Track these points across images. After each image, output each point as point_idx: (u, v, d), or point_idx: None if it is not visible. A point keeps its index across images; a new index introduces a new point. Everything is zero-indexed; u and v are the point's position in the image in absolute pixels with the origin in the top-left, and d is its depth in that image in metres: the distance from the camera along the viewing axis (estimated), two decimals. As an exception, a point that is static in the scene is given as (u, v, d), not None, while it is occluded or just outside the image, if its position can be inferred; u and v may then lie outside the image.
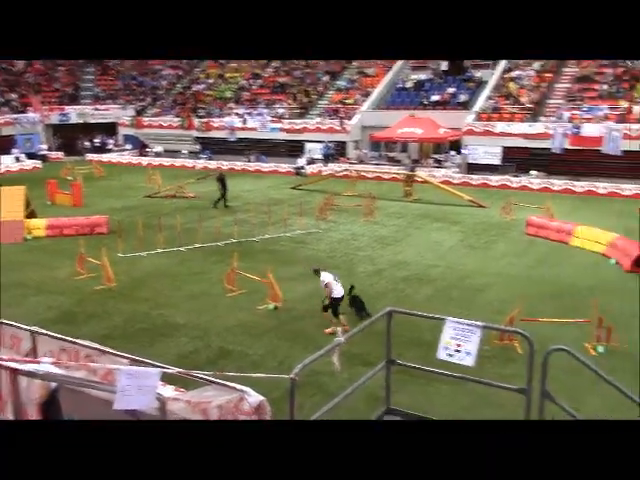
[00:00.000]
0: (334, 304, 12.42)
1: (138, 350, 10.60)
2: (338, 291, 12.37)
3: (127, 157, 43.58)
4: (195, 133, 43.04)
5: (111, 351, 6.89)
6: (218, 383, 5.12)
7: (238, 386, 5.01)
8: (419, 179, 28.97)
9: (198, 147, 42.70)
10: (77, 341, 6.99)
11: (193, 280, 16.04)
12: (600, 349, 11.28)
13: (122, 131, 47.29)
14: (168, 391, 5.95)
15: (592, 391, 9.52)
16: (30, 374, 4.78)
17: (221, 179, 26.13)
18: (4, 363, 4.81)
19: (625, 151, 29.03)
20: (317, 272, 12.85)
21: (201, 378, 5.20)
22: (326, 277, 12.60)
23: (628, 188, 27.80)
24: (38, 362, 4.92)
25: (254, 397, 4.89)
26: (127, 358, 6.32)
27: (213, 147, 42.50)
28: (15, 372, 4.77)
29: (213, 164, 39.24)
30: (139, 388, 4.41)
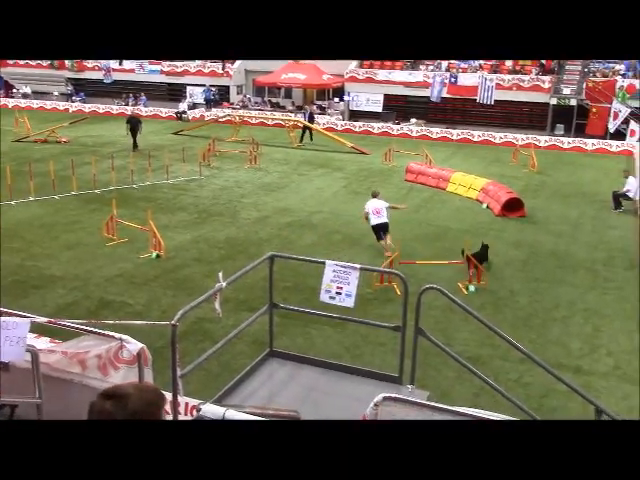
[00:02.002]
0: (374, 231, 13.81)
1: (10, 304, 10.08)
2: (372, 220, 13.71)
3: (-9, 98, 40.29)
4: (67, 74, 40.37)
5: (-22, 304, 6.51)
6: (96, 333, 4.99)
7: (116, 335, 4.90)
8: (301, 125, 28.99)
9: (70, 89, 40.16)
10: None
11: (70, 229, 15.32)
12: (471, 288, 12.01)
13: (-16, 70, 43.54)
14: (42, 343, 5.73)
15: (463, 327, 10.20)
16: None
17: (130, 121, 26.03)
18: None
19: (497, 101, 30.52)
20: (375, 195, 14.16)
21: (77, 328, 5.04)
22: (367, 206, 13.89)
23: (500, 136, 29.28)
24: None
25: (133, 344, 4.81)
26: (-3, 312, 6.01)
27: (87, 89, 40.15)
28: None
29: (88, 107, 37.18)
30: (6, 339, 4.21)
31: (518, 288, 12.31)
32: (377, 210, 13.70)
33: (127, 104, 37.53)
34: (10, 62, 41.87)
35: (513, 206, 17.16)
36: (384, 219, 13.71)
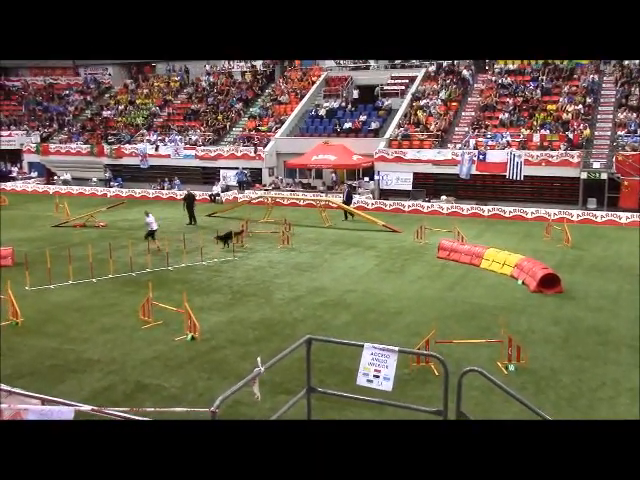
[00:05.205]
0: None
1: (48, 389, 10.15)
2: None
3: (33, 185, 41.88)
4: (105, 160, 41.96)
5: (20, 391, 6.57)
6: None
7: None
8: (334, 205, 29.42)
9: (108, 174, 41.62)
10: (-18, 383, 6.62)
11: (106, 312, 15.52)
12: (511, 368, 11.73)
13: (27, 158, 45.50)
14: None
15: (505, 409, 9.89)
16: None
17: (187, 198, 28.36)
18: None
19: (527, 176, 30.71)
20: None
21: (118, 416, 5.04)
22: None
23: (531, 211, 29.25)
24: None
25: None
26: (38, 398, 6.05)
27: (125, 174, 41.58)
28: None
29: (125, 192, 38.36)
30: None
31: (559, 366, 11.97)
32: None
33: (162, 188, 38.62)
34: (52, 150, 43.79)
35: (549, 282, 16.93)
36: None
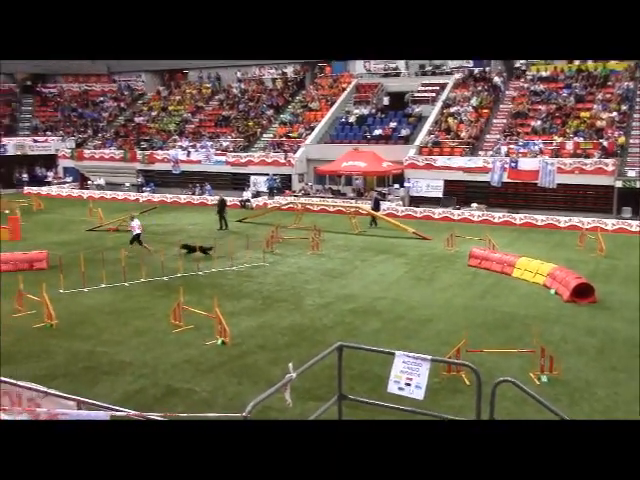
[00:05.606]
0: None
1: (82, 390, 10.28)
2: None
3: (67, 190, 42.65)
4: (138, 166, 42.55)
5: (56, 393, 6.68)
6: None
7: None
8: (363, 212, 29.38)
9: (141, 180, 42.19)
10: (19, 383, 6.75)
11: (138, 316, 15.70)
12: (544, 378, 11.55)
13: (62, 163, 46.36)
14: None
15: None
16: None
17: (220, 204, 28.76)
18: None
19: (560, 184, 30.29)
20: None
21: (152, 420, 5.09)
22: None
23: (564, 220, 28.83)
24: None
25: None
26: (73, 400, 6.14)
27: (157, 179, 42.10)
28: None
29: (157, 197, 38.82)
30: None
31: (594, 379, 11.75)
32: None
33: (193, 193, 39.01)
34: (86, 155, 44.54)
35: (583, 292, 16.65)
36: None
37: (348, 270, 20.69)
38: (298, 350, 12.95)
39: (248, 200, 35.94)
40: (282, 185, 37.83)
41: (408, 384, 6.74)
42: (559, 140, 32.76)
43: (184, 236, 26.37)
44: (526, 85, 37.90)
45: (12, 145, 45.70)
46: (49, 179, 45.45)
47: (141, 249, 22.60)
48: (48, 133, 48.43)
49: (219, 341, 13.62)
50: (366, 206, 30.63)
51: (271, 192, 37.06)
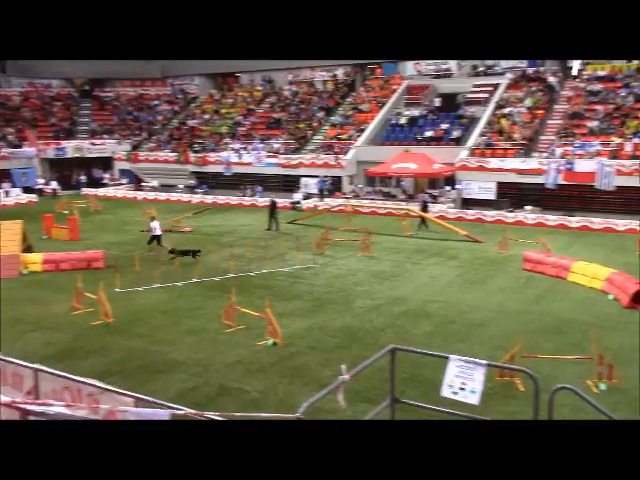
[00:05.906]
0: None
1: (137, 387, 10.51)
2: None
3: (123, 191, 43.70)
4: (191, 167, 43.30)
5: (114, 389, 6.83)
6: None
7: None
8: (414, 214, 29.16)
9: (194, 181, 42.91)
10: (79, 379, 6.94)
11: (191, 315, 15.96)
12: (602, 387, 11.23)
13: (118, 165, 47.58)
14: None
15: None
16: (41, 415, 4.73)
17: (272, 205, 29.27)
18: (16, 405, 4.76)
19: (618, 187, 29.40)
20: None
21: (209, 419, 5.15)
22: None
23: (622, 223, 27.97)
24: (50, 404, 4.87)
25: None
26: (130, 396, 6.27)
27: (209, 181, 42.76)
28: (26, 413, 4.71)
29: (209, 198, 39.40)
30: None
31: (655, 387, 11.36)
32: None
33: (244, 195, 39.44)
34: (141, 158, 45.60)
35: (643, 297, 16.13)
36: None
37: (399, 272, 20.56)
38: (348, 352, 12.94)
39: (298, 202, 36.13)
40: (332, 187, 37.88)
41: (462, 388, 6.66)
42: (617, 141, 31.82)
43: (236, 237, 26.69)
44: (582, 85, 36.97)
45: (71, 148, 47.16)
46: (105, 181, 46.69)
47: (160, 249, 22.95)
48: (105, 136, 49.74)
49: (270, 342, 13.72)
50: (416, 208, 30.39)
51: (321, 194, 37.16)
